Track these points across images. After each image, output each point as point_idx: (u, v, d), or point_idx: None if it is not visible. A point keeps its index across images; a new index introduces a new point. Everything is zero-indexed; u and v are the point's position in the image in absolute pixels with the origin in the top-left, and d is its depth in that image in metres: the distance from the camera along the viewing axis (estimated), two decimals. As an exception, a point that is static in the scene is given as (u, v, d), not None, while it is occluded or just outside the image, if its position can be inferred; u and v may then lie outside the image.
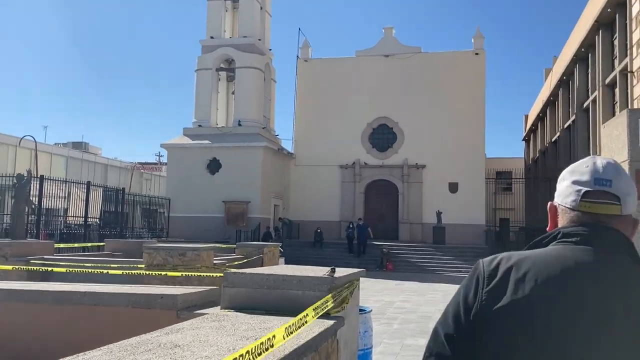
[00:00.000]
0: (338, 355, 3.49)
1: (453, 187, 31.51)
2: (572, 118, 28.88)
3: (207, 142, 29.29)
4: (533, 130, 42.98)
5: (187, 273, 5.62)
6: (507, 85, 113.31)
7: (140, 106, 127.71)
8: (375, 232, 30.84)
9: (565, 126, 30.69)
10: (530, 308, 1.18)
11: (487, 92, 39.47)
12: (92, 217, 22.03)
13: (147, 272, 6.13)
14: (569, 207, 1.33)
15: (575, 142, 27.78)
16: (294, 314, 3.32)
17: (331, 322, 3.17)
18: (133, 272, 6.01)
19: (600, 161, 1.36)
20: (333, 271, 3.97)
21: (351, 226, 27.78)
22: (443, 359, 1.28)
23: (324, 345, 3.03)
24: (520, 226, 42.41)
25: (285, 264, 25.53)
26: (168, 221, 29.00)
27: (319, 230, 28.66)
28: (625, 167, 10.94)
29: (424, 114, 31.72)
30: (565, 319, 1.17)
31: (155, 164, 62.55)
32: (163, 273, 6.08)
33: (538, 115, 39.48)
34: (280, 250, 15.23)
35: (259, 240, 25.41)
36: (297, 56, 34.09)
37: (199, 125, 30.22)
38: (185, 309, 4.11)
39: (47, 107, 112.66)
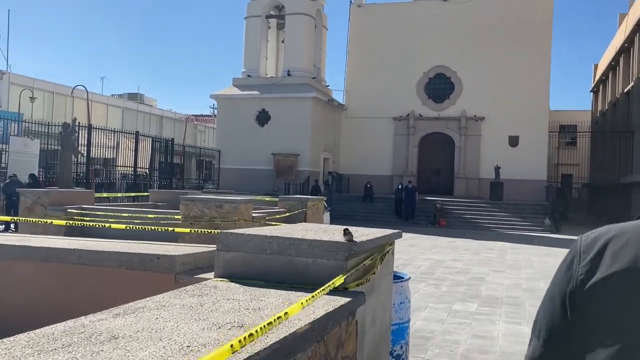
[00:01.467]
0: (360, 337, 2.79)
1: (513, 141, 29.83)
2: (650, 66, 26.42)
3: (256, 92, 28.69)
4: (603, 80, 40.03)
5: (203, 230, 5.02)
6: (576, 33, 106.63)
7: (197, 58, 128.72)
8: (429, 187, 29.83)
9: (641, 75, 28.19)
10: (626, 281, 1.05)
11: (553, 39, 36.85)
12: (142, 168, 22.07)
13: (152, 228, 5.58)
14: None
15: (651, 93, 25.46)
16: (302, 287, 2.63)
17: (345, 300, 2.45)
18: (137, 226, 5.48)
19: None
20: (348, 234, 3.17)
21: (400, 187, 26.62)
22: (545, 340, 1.18)
23: (334, 332, 2.32)
24: (584, 183, 40.24)
25: (331, 218, 25.09)
26: (218, 172, 28.93)
27: (369, 185, 27.88)
28: None
29: (484, 62, 29.82)
30: None
31: (210, 116, 62.99)
32: (170, 229, 5.51)
33: (609, 64, 36.58)
34: (325, 205, 14.59)
35: (308, 194, 24.94)
36: (351, 1, 32.55)
37: (248, 76, 29.59)
38: (186, 273, 3.50)
39: (104, 58, 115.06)
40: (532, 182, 28.45)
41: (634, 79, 29.43)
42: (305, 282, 2.63)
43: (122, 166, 21.51)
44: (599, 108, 41.40)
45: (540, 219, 24.20)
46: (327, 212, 15.19)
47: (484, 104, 29.92)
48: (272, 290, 2.52)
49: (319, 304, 2.28)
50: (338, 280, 2.48)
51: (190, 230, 5.26)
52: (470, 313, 7.23)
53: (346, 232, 3.22)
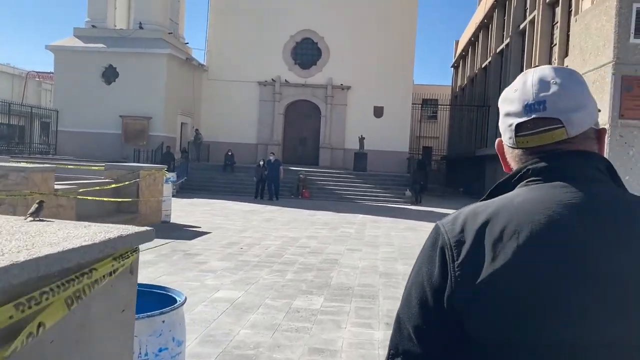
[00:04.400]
0: None
1: (378, 112, 29.50)
2: (506, 42, 27.18)
3: (101, 46, 25.26)
4: (463, 56, 41.38)
5: None
6: (441, 9, 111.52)
7: (37, 4, 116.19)
8: (294, 157, 28.63)
9: (498, 51, 29.06)
10: (516, 280, 0.89)
11: (419, 14, 37.14)
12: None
13: None
14: (510, 145, 1.06)
15: (507, 68, 26.21)
16: None
17: None
18: None
19: (530, 79, 1.02)
20: (35, 212, 2.00)
21: (262, 163, 22.54)
22: (413, 357, 0.97)
23: None
24: (443, 155, 41.74)
25: (186, 190, 22.88)
26: (56, 136, 25.30)
27: (230, 153, 25.94)
28: (608, 71, 8.79)
29: (351, 30, 28.92)
30: (567, 286, 0.87)
31: (59, 73, 56.42)
32: None
33: (469, 40, 37.70)
34: (166, 175, 12.56)
35: (160, 162, 22.46)
36: (213, -48, 29.86)
37: (93, 26, 25.98)
38: None
39: None
40: (395, 154, 28.41)
41: (491, 54, 30.32)
42: None
43: None
44: (459, 83, 42.89)
45: (402, 190, 24.06)
46: (169, 184, 13.15)
47: (350, 73, 29.16)
48: None
49: None
50: None
51: None
52: (312, 312, 5.85)
53: (37, 209, 2.02)
